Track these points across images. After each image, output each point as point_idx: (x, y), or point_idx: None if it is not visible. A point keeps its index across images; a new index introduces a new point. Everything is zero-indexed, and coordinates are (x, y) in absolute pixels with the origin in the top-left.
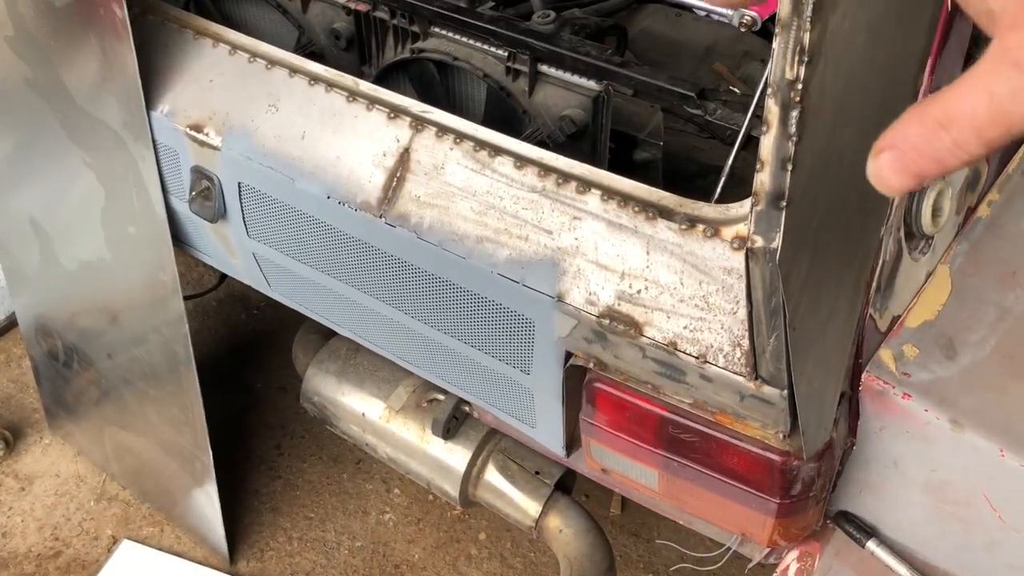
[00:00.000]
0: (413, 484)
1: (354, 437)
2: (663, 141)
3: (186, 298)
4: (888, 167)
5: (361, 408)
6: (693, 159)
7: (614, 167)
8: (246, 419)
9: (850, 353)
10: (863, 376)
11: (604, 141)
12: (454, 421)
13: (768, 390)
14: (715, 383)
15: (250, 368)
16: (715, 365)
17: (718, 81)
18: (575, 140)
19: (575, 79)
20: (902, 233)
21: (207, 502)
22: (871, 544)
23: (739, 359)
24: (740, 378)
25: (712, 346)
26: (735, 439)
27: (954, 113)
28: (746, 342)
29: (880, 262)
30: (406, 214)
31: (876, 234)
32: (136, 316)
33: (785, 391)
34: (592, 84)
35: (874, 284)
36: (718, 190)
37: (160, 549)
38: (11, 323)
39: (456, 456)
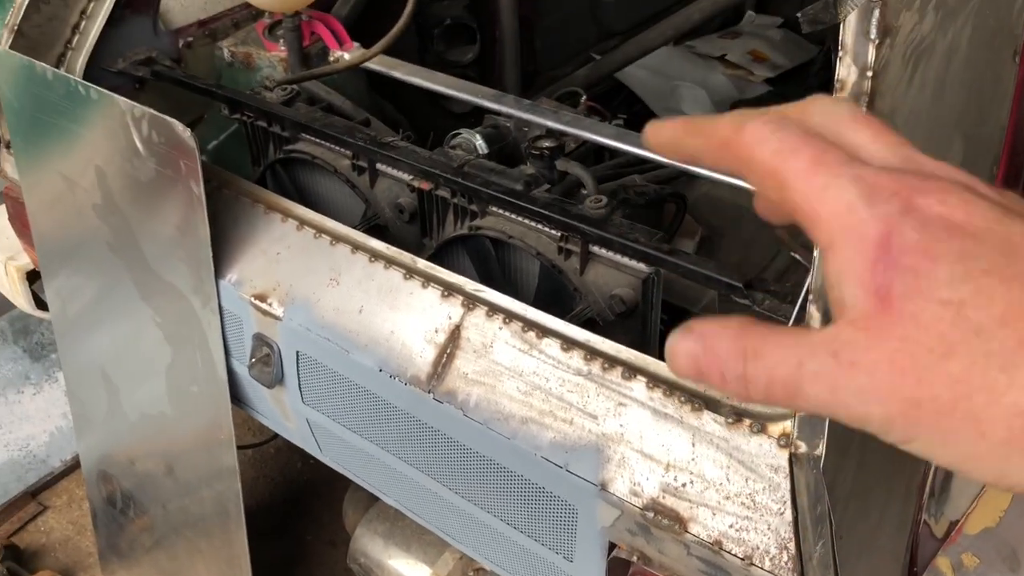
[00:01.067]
0: None
1: None
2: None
3: (246, 447)
4: (683, 351)
5: (407, 573)
6: None
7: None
8: (294, 572)
9: (904, 562)
10: None
11: (654, 321)
12: None
13: None
14: None
15: (302, 519)
16: (761, 568)
17: (780, 248)
18: (625, 318)
19: (625, 261)
20: None
21: None
22: None
23: (786, 563)
24: None
25: (758, 548)
26: None
27: (762, 353)
28: (793, 546)
29: (933, 466)
30: (454, 391)
31: None
32: (191, 468)
33: None
34: (641, 266)
35: (927, 489)
36: None
37: None
38: (75, 464)
39: None
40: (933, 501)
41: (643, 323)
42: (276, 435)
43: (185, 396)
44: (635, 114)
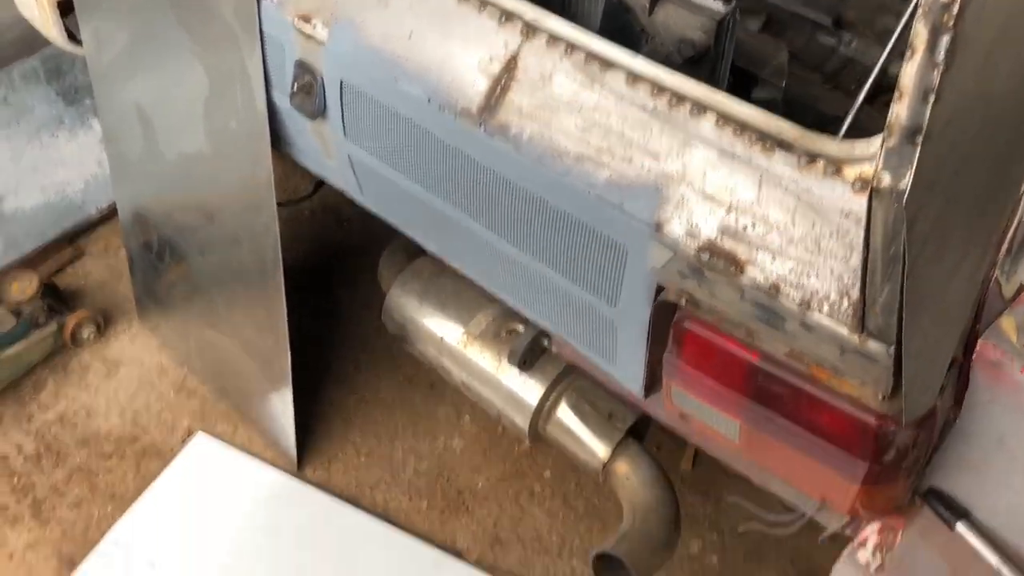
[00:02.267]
0: (484, 414)
1: (430, 359)
2: (785, 83)
3: (280, 204)
4: None
5: (440, 331)
6: (814, 108)
7: None
8: (327, 332)
9: (968, 316)
10: (979, 343)
11: (724, 69)
12: (531, 354)
13: (873, 345)
14: (816, 333)
15: (336, 282)
16: (819, 313)
17: None
18: (692, 65)
19: (699, 1)
20: None
21: (281, 406)
22: (961, 526)
23: (845, 309)
24: (844, 330)
25: (818, 293)
26: (829, 396)
27: None
28: (855, 292)
29: (1016, 221)
30: (506, 125)
31: (1018, 188)
32: (230, 215)
33: (892, 348)
34: (718, 6)
35: (1005, 245)
36: (844, 127)
37: (232, 446)
38: (112, 212)
39: (530, 389)
40: (1009, 259)
41: (711, 71)
42: (312, 194)
43: (224, 133)
44: None
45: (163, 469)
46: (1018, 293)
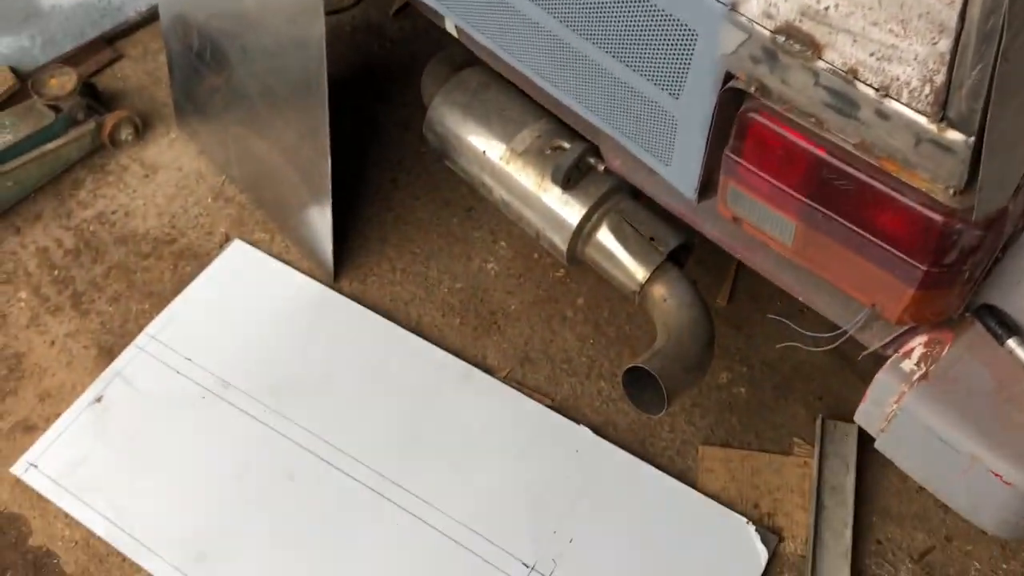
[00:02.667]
0: (521, 239)
1: (471, 175)
2: None
3: (334, 13)
4: None
5: (482, 146)
6: None
7: None
8: (366, 149)
9: None
10: None
11: None
12: (576, 171)
13: (952, 135)
14: (891, 122)
15: (376, 99)
16: (897, 100)
17: None
18: None
19: None
20: None
21: (320, 216)
22: (1012, 342)
23: (927, 96)
24: (923, 118)
25: (898, 79)
26: (896, 191)
27: None
28: (940, 78)
29: None
30: None
31: None
32: (277, 20)
33: (971, 139)
34: None
35: None
36: None
37: (269, 254)
38: (151, 16)
39: (571, 209)
40: None
41: None
42: (356, 3)
43: None
44: None
45: (200, 271)
46: None
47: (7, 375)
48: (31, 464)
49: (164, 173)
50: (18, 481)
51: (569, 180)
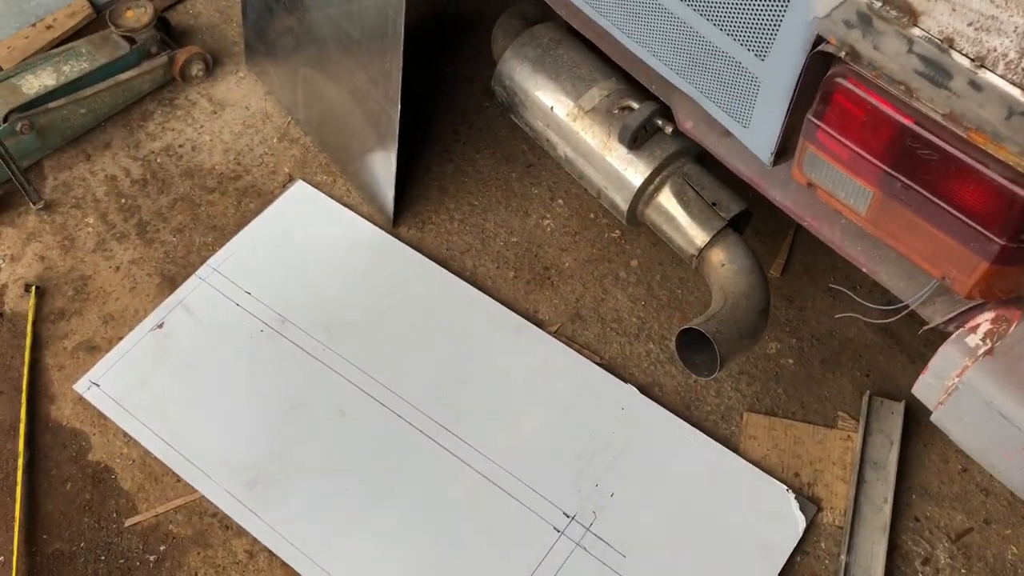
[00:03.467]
0: (578, 199)
1: (536, 131)
2: None
3: None
4: None
5: (550, 102)
6: None
7: None
8: (430, 99)
9: None
10: None
11: None
12: (643, 132)
13: None
14: (984, 93)
15: (443, 52)
16: (992, 71)
17: None
18: None
19: None
20: None
21: (384, 162)
22: None
23: (1023, 69)
24: (1018, 91)
25: (995, 50)
26: (981, 164)
27: None
28: None
29: None
30: None
31: None
32: None
33: None
34: None
35: None
36: None
37: (331, 196)
38: None
39: (635, 170)
40: None
41: None
42: None
43: None
44: None
45: (263, 208)
46: None
47: (73, 296)
48: (93, 383)
49: (232, 111)
50: (80, 398)
51: (636, 140)
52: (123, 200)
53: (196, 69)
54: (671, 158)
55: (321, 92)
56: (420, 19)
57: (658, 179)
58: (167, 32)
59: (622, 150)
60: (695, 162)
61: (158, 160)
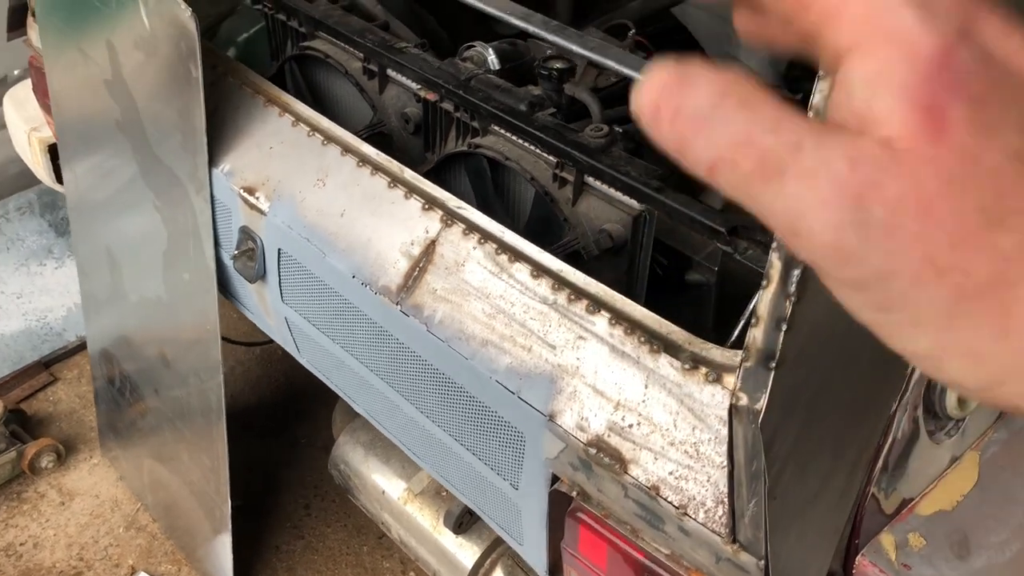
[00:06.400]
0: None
1: (372, 513)
2: (718, 266)
3: (254, 344)
4: (655, 78)
5: (383, 485)
6: (757, 284)
7: (662, 285)
8: (283, 472)
9: (844, 533)
10: (857, 559)
11: (643, 262)
12: (467, 516)
13: (745, 557)
14: (693, 538)
15: (301, 421)
16: (694, 519)
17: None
18: (612, 255)
19: (617, 195)
20: (919, 412)
21: (223, 552)
22: None
23: (720, 517)
24: (718, 538)
25: (695, 498)
26: None
27: (752, 106)
28: (727, 504)
29: (890, 440)
30: (421, 305)
31: (886, 409)
32: (181, 358)
33: (761, 561)
34: (634, 203)
35: (880, 462)
36: (735, 333)
37: None
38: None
39: (466, 552)
40: (886, 476)
41: (631, 263)
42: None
43: (178, 283)
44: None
45: None
46: (900, 509)
47: None
48: None
49: (80, 500)
50: None
51: (461, 524)
52: None
53: (47, 461)
54: (500, 540)
55: (164, 481)
56: (275, 390)
57: (488, 561)
58: (21, 423)
59: (451, 533)
60: None
61: None
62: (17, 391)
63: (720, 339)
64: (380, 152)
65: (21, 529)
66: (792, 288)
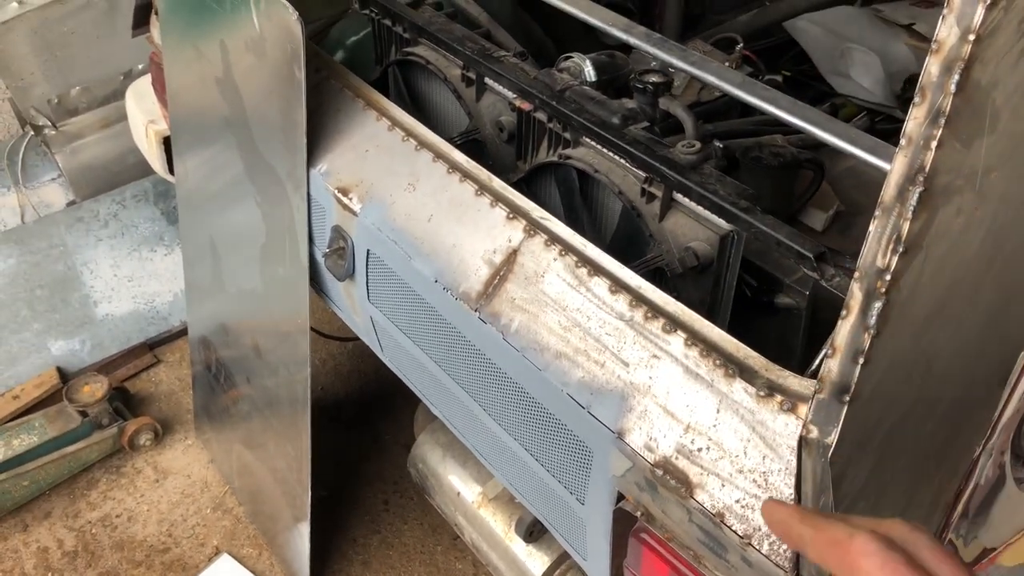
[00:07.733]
0: None
1: (446, 514)
2: (809, 291)
3: (347, 340)
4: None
5: (458, 487)
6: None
7: (751, 307)
8: (365, 466)
9: None
10: None
11: (728, 282)
12: (538, 526)
13: None
14: (755, 570)
15: (386, 416)
16: (758, 551)
17: None
18: (697, 274)
19: (705, 213)
20: (1006, 457)
21: (300, 540)
22: None
23: (784, 550)
24: (781, 572)
25: (761, 528)
26: None
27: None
28: None
29: (972, 485)
30: (499, 313)
31: (969, 453)
32: (272, 350)
33: None
34: (722, 222)
35: (960, 507)
36: (815, 362)
37: (253, 572)
38: None
39: (535, 561)
40: (966, 522)
41: (716, 282)
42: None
43: (274, 277)
44: (801, 72)
45: None
46: (981, 557)
47: None
48: None
49: (173, 479)
50: None
51: (531, 533)
52: (50, 574)
53: (145, 439)
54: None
55: (250, 467)
56: (363, 386)
57: (556, 573)
58: (124, 401)
59: (522, 540)
60: None
61: (93, 531)
62: (122, 370)
63: (804, 367)
64: (470, 159)
65: (118, 502)
66: (872, 320)
